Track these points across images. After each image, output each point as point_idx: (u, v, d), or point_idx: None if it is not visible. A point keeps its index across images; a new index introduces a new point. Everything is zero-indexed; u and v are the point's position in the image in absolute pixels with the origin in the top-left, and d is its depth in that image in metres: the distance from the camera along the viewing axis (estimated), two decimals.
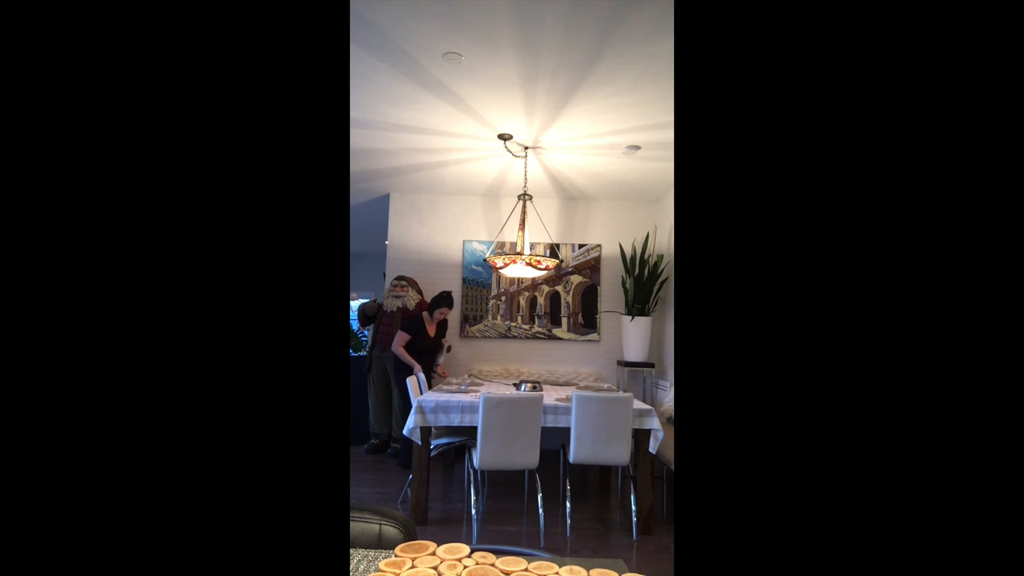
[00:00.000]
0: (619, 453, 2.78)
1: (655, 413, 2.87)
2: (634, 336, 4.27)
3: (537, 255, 3.50)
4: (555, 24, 2.11)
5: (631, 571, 0.82)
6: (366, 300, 5.58)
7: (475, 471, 2.90)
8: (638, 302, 4.27)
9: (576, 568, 0.80)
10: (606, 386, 3.67)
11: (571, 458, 2.80)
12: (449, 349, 4.58)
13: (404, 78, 2.59)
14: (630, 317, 4.27)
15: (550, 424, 2.86)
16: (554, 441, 3.96)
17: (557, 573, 0.78)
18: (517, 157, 3.67)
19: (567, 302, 4.72)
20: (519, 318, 4.70)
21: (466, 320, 4.68)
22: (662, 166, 3.79)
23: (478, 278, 4.71)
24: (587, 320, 4.70)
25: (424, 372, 3.88)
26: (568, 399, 2.95)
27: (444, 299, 4.03)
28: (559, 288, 4.72)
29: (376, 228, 5.74)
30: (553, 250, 4.71)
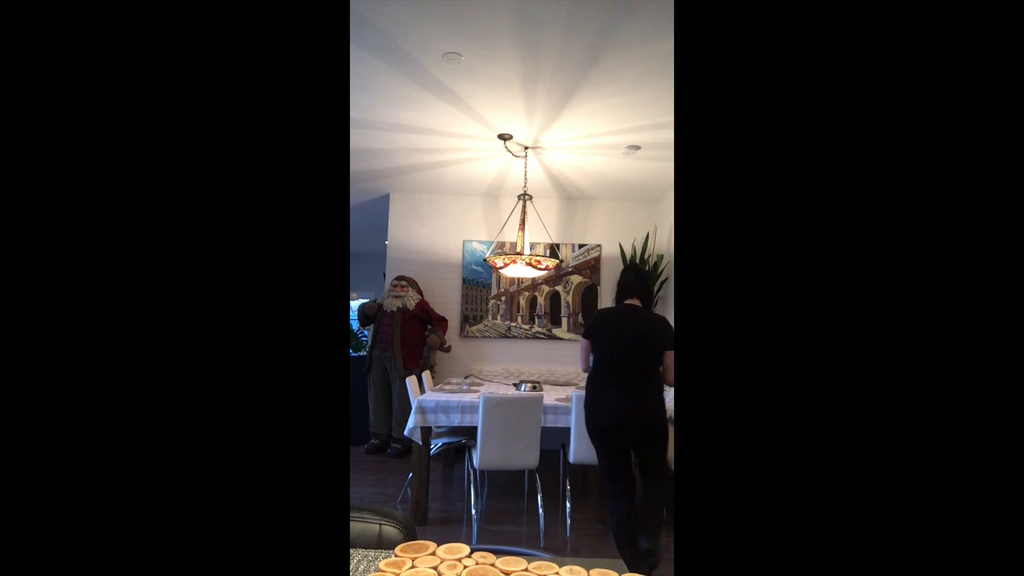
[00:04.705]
0: None
1: None
2: None
3: (537, 255, 3.49)
4: (555, 24, 2.11)
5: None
6: (366, 300, 5.58)
7: (475, 471, 2.90)
8: None
9: (576, 568, 0.79)
10: None
11: (571, 458, 2.80)
12: (449, 349, 4.58)
13: (404, 78, 2.59)
14: None
15: (550, 424, 2.85)
16: (554, 441, 3.95)
17: (557, 573, 0.78)
18: (517, 157, 3.67)
19: (567, 302, 4.72)
20: (519, 318, 4.69)
21: (466, 320, 4.68)
22: (662, 166, 3.78)
23: (478, 278, 4.71)
24: (587, 320, 4.70)
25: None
26: (568, 399, 2.95)
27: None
28: (559, 288, 4.72)
29: (376, 228, 5.74)
30: (553, 250, 4.71)
